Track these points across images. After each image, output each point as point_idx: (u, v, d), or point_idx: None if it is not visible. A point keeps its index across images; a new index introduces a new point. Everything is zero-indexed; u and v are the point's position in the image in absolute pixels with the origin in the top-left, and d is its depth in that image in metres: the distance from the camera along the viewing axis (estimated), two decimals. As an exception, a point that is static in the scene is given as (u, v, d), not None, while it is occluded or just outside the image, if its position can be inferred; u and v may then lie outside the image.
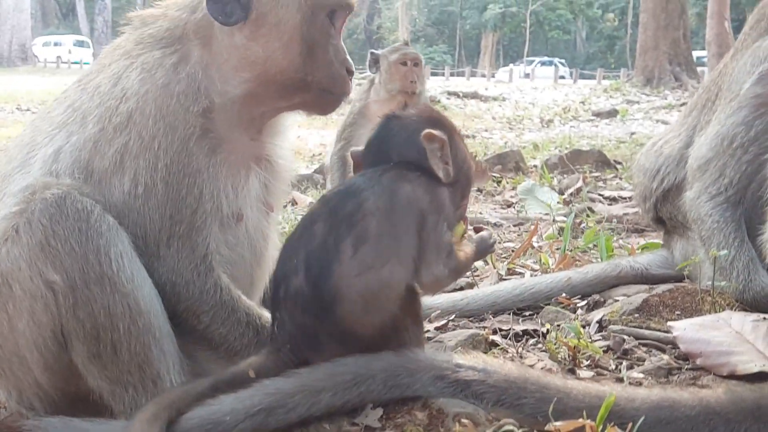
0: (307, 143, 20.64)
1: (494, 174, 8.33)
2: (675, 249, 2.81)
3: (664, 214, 2.85)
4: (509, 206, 5.97)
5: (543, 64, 55.99)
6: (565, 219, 4.94)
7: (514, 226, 4.82)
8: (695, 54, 30.93)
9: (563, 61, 57.82)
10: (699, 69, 29.98)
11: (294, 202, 6.84)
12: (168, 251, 1.87)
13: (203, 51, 1.98)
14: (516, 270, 3.09)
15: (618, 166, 9.20)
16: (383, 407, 1.63)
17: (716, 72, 2.85)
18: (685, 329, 2.18)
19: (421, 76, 5.06)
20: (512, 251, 3.54)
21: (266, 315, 1.99)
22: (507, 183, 7.23)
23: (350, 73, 2.05)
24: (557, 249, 3.34)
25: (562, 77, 44.40)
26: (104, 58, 2.06)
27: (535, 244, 3.74)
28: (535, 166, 10.54)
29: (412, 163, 1.88)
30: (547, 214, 5.35)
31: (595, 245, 3.23)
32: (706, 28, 33.03)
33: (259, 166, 2.05)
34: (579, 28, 70.58)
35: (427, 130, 1.89)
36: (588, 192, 6.41)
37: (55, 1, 74.94)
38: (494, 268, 3.10)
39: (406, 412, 1.61)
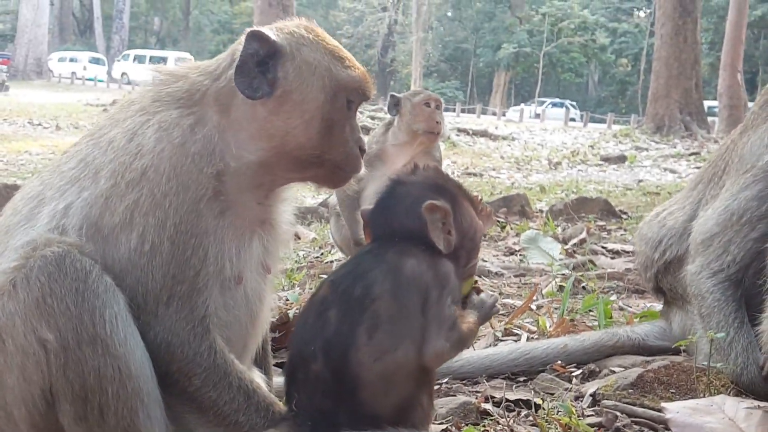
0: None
1: (499, 217, 8.36)
2: (673, 321, 2.79)
3: (664, 285, 2.83)
4: (512, 254, 5.96)
5: (554, 105, 56.25)
6: (566, 272, 4.93)
7: (515, 276, 4.81)
8: (706, 104, 31.10)
9: (574, 103, 58.07)
10: (710, 119, 30.10)
11: (297, 237, 6.85)
12: (167, 311, 1.86)
13: (221, 116, 2.00)
14: (513, 330, 3.07)
15: (623, 216, 9.20)
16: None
17: (724, 147, 2.85)
18: (678, 412, 2.15)
19: (443, 118, 5.14)
20: (511, 308, 3.52)
21: (257, 380, 2.00)
22: (511, 229, 7.22)
23: (362, 151, 2.10)
24: (556, 309, 3.32)
25: (573, 119, 44.54)
26: (118, 113, 2.07)
27: (535, 301, 3.71)
28: (541, 210, 10.57)
29: (416, 234, 1.89)
30: (549, 265, 5.34)
31: (593, 310, 3.21)
32: (718, 78, 33.27)
33: (263, 230, 2.07)
34: (592, 72, 70.99)
35: (428, 202, 1.89)
36: (591, 243, 6.40)
37: (74, 17, 75.84)
38: (491, 327, 3.08)
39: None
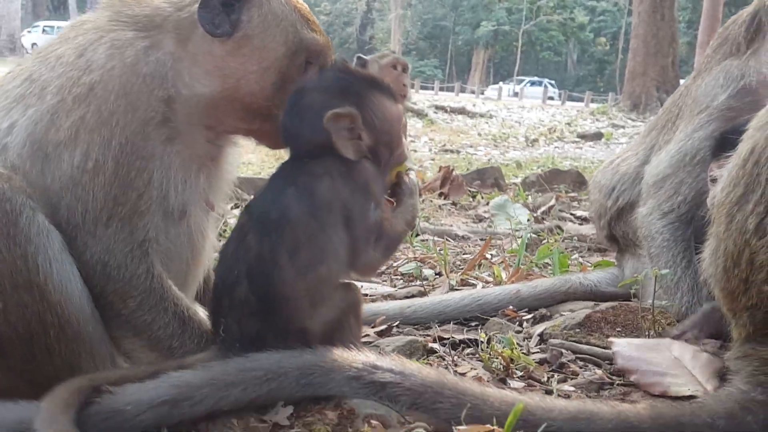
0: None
1: (471, 189, 8.36)
2: (626, 267, 2.80)
3: (617, 232, 2.84)
4: (480, 221, 5.96)
5: (533, 84, 56.33)
6: (531, 236, 4.95)
7: (481, 240, 4.81)
8: (682, 82, 31.23)
9: (553, 82, 58.19)
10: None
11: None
12: (105, 231, 1.83)
13: (178, 46, 1.97)
14: (469, 281, 3.07)
15: (594, 187, 9.23)
16: (294, 405, 1.60)
17: (677, 94, 2.86)
18: (624, 346, 2.17)
19: (408, 82, 5.13)
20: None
21: (195, 309, 1.98)
22: (482, 198, 7.23)
23: None
24: (513, 263, 3.33)
25: (551, 98, 44.70)
26: (69, 31, 2.02)
27: (495, 257, 3.72)
28: (515, 183, 10.59)
29: (325, 147, 1.86)
30: (517, 230, 5.36)
31: (550, 264, 3.22)
32: (695, 56, 33.43)
33: (211, 166, 2.06)
34: (570, 50, 71.14)
35: (329, 112, 1.84)
36: (560, 211, 6.42)
37: (48, -7, 74.71)
38: (447, 278, 3.08)
39: (317, 411, 1.58)
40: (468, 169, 15.11)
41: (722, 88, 2.55)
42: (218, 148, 2.08)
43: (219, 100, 1.98)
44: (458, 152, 21.28)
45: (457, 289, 2.98)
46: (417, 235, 4.92)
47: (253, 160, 19.60)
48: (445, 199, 7.13)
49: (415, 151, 19.05)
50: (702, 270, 1.94)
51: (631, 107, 28.73)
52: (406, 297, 2.94)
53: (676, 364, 2.09)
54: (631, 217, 2.69)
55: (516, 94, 46.01)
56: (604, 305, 2.52)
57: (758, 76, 2.52)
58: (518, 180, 13.81)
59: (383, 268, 3.60)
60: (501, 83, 54.28)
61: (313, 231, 1.78)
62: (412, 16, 67.03)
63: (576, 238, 4.55)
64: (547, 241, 4.21)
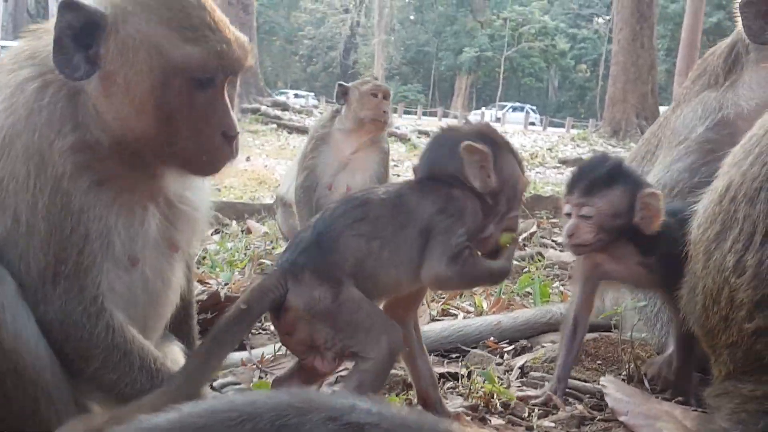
0: (274, 172, 20.58)
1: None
2: (606, 298, 2.80)
3: None
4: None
5: (514, 109, 56.78)
6: (516, 264, 4.95)
7: (462, 267, 4.81)
8: (662, 109, 31.61)
9: (534, 107, 58.68)
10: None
11: (248, 231, 6.76)
12: (54, 291, 1.72)
13: (70, 84, 1.75)
14: (450, 311, 3.06)
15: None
16: (271, 447, 1.56)
17: (657, 125, 2.87)
18: (615, 387, 2.14)
19: (389, 110, 5.11)
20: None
21: (162, 357, 1.87)
22: (463, 224, 7.23)
23: (229, 137, 1.80)
24: (494, 292, 3.32)
25: (533, 123, 45.08)
26: None
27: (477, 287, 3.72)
28: (497, 209, 10.56)
29: (453, 173, 1.97)
30: (497, 256, 5.34)
31: (532, 293, 3.22)
32: (674, 84, 33.82)
33: (160, 205, 1.87)
34: (552, 77, 71.80)
35: (467, 143, 1.95)
36: (541, 237, 6.44)
37: (28, 14, 74.40)
38: (428, 308, 3.06)
39: (294, 453, 1.54)
40: (450, 194, 15.03)
41: (700, 120, 2.57)
42: (168, 182, 1.88)
43: (115, 143, 1.76)
44: (441, 177, 21.36)
45: (438, 320, 2.97)
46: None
47: (235, 184, 19.55)
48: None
49: (398, 176, 19.08)
50: (681, 307, 1.93)
51: (611, 133, 28.99)
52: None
53: (668, 414, 2.07)
54: None
55: (498, 120, 46.31)
56: (585, 337, 2.50)
57: (736, 109, 2.53)
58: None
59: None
60: (483, 108, 54.67)
61: (382, 215, 1.91)
62: (395, 42, 67.48)
63: (557, 266, 4.55)
64: (529, 270, 4.21)
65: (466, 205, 1.95)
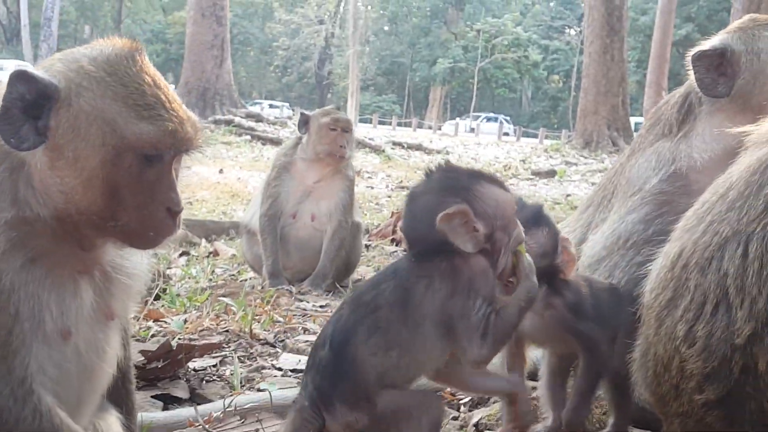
0: (247, 185, 20.43)
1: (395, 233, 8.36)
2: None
3: None
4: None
5: (488, 120, 57.13)
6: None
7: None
8: (633, 120, 31.95)
9: (508, 118, 59.10)
10: (636, 135, 30.88)
11: (216, 254, 6.67)
12: None
13: (12, 157, 1.71)
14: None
15: (546, 232, 9.29)
16: None
17: (612, 171, 2.84)
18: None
19: (351, 141, 5.05)
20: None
21: (112, 422, 1.79)
22: (398, 245, 7.20)
23: (173, 212, 1.78)
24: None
25: (506, 134, 45.33)
26: None
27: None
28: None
29: (443, 243, 1.91)
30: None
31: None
32: (644, 96, 34.20)
33: (93, 277, 1.81)
34: (525, 87, 72.42)
35: (441, 215, 1.89)
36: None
37: (0, 24, 73.65)
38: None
39: None
40: (423, 210, 15.06)
41: (654, 171, 2.55)
42: (102, 253, 1.83)
43: (56, 217, 1.71)
44: (414, 190, 21.36)
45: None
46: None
47: (207, 197, 19.49)
48: (396, 245, 7.07)
49: (372, 187, 19.06)
50: (632, 371, 1.88)
51: (583, 145, 29.22)
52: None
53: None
54: None
55: (472, 130, 46.55)
56: (539, 391, 2.46)
57: (689, 161, 2.51)
58: (472, 220, 13.78)
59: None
60: (458, 119, 54.96)
61: (393, 320, 1.86)
62: (370, 52, 67.65)
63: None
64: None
65: (473, 270, 1.91)
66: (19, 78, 1.66)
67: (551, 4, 73.59)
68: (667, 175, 2.52)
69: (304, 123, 4.98)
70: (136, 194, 1.72)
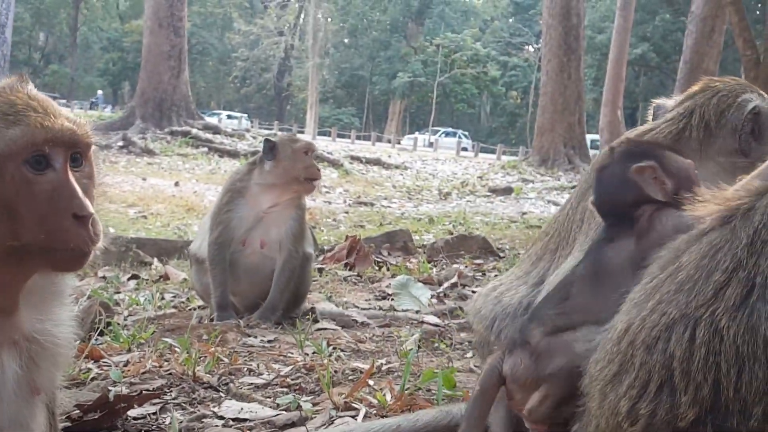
0: (204, 198, 20.23)
1: (379, 257, 8.36)
2: (509, 399, 2.71)
3: None
4: (383, 298, 5.87)
5: (447, 134, 57.51)
6: (435, 321, 4.87)
7: (380, 327, 4.70)
8: (589, 138, 32.42)
9: (467, 133, 59.60)
10: (592, 152, 31.26)
11: (166, 277, 6.52)
12: None
13: None
14: (352, 404, 2.92)
15: (500, 254, 9.32)
16: None
17: (563, 216, 2.75)
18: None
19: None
20: (360, 373, 3.40)
21: None
22: (387, 270, 7.14)
23: (80, 217, 1.59)
24: (398, 379, 3.22)
25: (465, 149, 45.62)
26: None
27: (387, 364, 3.60)
28: (424, 245, 10.62)
29: (636, 199, 2.13)
30: (417, 311, 5.30)
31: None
32: (600, 114, 34.77)
33: (18, 344, 1.65)
34: (484, 103, 73.12)
35: (634, 166, 2.14)
36: (463, 286, 6.39)
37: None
38: (331, 400, 2.93)
39: None
40: (381, 223, 15.17)
41: None
42: (23, 320, 1.67)
43: None
44: (372, 205, 21.35)
45: (339, 416, 2.83)
46: (316, 321, 4.77)
47: (163, 210, 19.25)
48: (350, 270, 7.01)
49: (329, 203, 18.99)
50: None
51: (540, 162, 29.53)
52: (285, 425, 2.78)
53: None
54: None
55: (431, 144, 46.76)
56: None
57: None
58: (431, 237, 13.90)
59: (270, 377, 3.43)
60: (417, 133, 55.22)
61: (582, 292, 2.10)
62: (329, 65, 67.62)
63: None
64: (440, 344, 4.12)
65: (666, 223, 2.11)
66: None
67: (510, 20, 74.45)
68: None
69: (270, 149, 4.90)
70: (33, 207, 1.56)
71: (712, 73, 21.30)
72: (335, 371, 3.43)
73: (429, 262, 7.61)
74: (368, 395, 3.02)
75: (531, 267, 2.69)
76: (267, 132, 40.18)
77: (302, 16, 69.47)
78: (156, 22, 29.43)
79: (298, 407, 2.85)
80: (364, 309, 5.32)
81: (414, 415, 2.67)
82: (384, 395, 2.94)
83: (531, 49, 71.19)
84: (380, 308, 5.37)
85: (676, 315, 1.63)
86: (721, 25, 21.89)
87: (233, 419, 2.92)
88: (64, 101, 55.85)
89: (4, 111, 1.57)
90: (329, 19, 70.46)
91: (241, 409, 2.99)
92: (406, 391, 2.95)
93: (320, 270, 6.76)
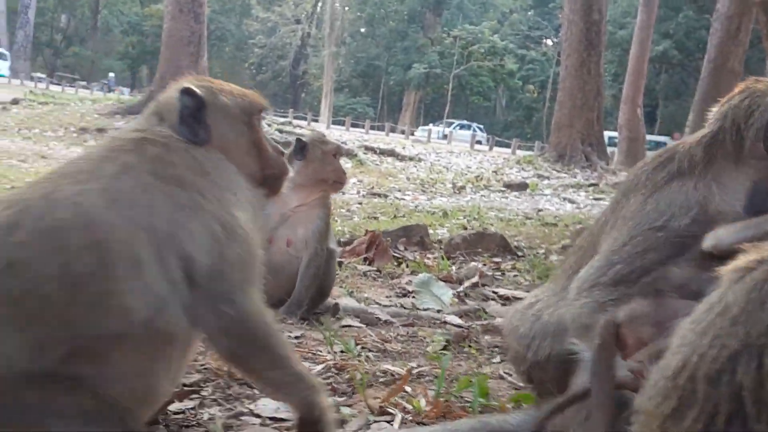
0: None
1: (397, 251, 8.34)
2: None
3: (536, 379, 2.69)
4: (404, 295, 5.85)
5: (462, 127, 57.19)
6: (458, 322, 4.85)
7: (404, 326, 4.69)
8: (607, 134, 32.08)
9: (481, 126, 59.18)
10: (610, 149, 31.01)
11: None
12: None
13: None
14: (388, 409, 2.91)
15: (518, 253, 9.29)
16: None
17: (597, 227, 2.67)
18: None
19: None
20: (391, 375, 3.39)
21: None
22: (407, 266, 7.11)
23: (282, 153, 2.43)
24: (430, 383, 3.20)
25: (479, 142, 45.32)
26: None
27: (417, 368, 3.59)
28: (440, 240, 10.59)
29: None
30: (439, 311, 5.28)
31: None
32: (619, 111, 34.41)
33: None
34: (500, 96, 72.73)
35: None
36: (483, 285, 6.36)
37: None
38: (366, 403, 2.91)
39: None
40: (395, 216, 15.14)
41: (682, 210, 2.39)
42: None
43: None
44: (386, 196, 21.31)
45: (376, 421, 2.82)
46: (339, 318, 4.77)
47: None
48: (369, 264, 7.00)
49: (344, 193, 18.96)
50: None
51: (556, 158, 29.30)
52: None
53: None
54: (552, 371, 2.53)
55: (445, 137, 46.52)
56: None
57: (721, 206, 2.38)
58: (444, 231, 13.86)
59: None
60: (431, 125, 54.94)
61: None
62: (345, 54, 67.51)
63: (501, 336, 4.43)
64: (470, 347, 4.10)
65: None
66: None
67: (529, 14, 74.07)
68: (696, 217, 2.38)
69: (301, 149, 4.92)
70: (267, 146, 2.33)
71: (736, 73, 21.06)
72: (365, 372, 3.42)
73: (447, 259, 7.59)
74: (402, 400, 3.01)
75: (567, 282, 2.62)
76: (282, 120, 40.17)
77: (320, 4, 69.36)
78: (177, 7, 29.40)
79: (336, 410, 2.83)
80: (385, 306, 5.31)
81: (453, 425, 2.65)
82: (419, 401, 2.92)
83: (549, 42, 70.79)
84: (401, 306, 5.35)
85: (738, 346, 1.62)
86: (747, 24, 21.61)
87: (270, 418, 2.90)
88: (84, 83, 56.02)
89: (235, 93, 2.28)
90: (346, 8, 70.29)
91: (278, 408, 2.97)
92: (442, 398, 2.94)
93: (339, 263, 6.76)
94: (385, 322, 4.83)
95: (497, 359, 3.98)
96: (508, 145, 42.61)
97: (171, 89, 2.14)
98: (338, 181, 4.96)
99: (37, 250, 1.60)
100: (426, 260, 7.70)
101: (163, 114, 2.10)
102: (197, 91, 2.11)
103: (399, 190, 23.62)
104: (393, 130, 46.70)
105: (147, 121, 2.10)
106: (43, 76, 56.96)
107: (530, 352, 2.56)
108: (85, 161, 1.91)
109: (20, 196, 1.75)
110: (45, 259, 1.60)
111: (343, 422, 2.79)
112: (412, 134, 45.28)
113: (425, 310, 5.29)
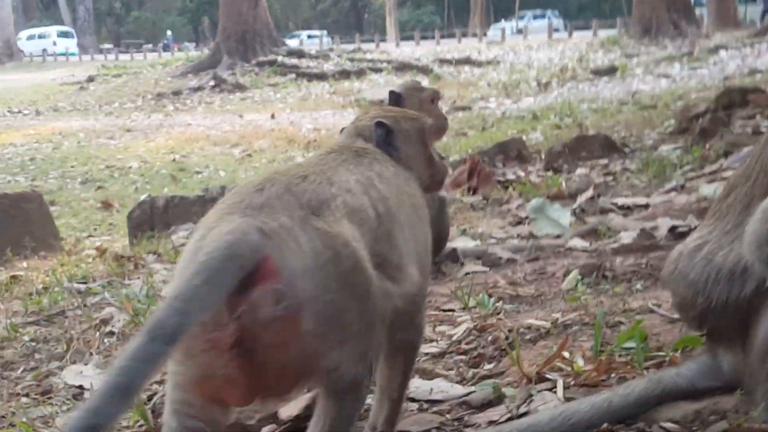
0: (301, 128, 20.24)
1: (496, 166, 8.07)
2: (723, 361, 2.45)
3: (708, 325, 2.48)
4: (519, 223, 5.64)
5: (535, 17, 55.07)
6: (583, 245, 4.62)
7: (528, 263, 4.50)
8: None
9: (556, 12, 56.77)
10: (698, 11, 29.18)
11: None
12: None
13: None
14: (545, 375, 2.76)
15: (626, 151, 8.89)
16: None
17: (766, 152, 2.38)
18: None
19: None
20: (535, 330, 3.23)
21: None
22: (514, 190, 6.85)
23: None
24: (584, 331, 3.03)
25: (557, 30, 43.39)
26: None
27: (567, 316, 3.42)
28: (539, 150, 10.23)
29: None
30: (559, 235, 5.07)
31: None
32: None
33: None
34: (571, -25, 69.22)
35: None
36: (600, 197, 6.04)
37: (39, -2, 74.06)
38: (521, 372, 2.77)
39: None
40: (484, 128, 14.70)
41: None
42: None
43: None
44: (470, 108, 20.84)
45: (538, 391, 2.68)
46: (462, 263, 4.63)
47: (265, 146, 19.29)
48: (473, 194, 6.79)
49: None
50: None
51: (642, 33, 27.77)
52: (482, 405, 2.64)
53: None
54: (729, 316, 2.32)
55: (520, 32, 44.87)
56: (715, 427, 2.21)
57: None
58: (536, 136, 13.41)
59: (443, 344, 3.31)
60: (503, 21, 53.15)
61: None
62: (404, -36, 65.47)
63: (632, 253, 4.18)
64: (607, 277, 3.87)
65: None
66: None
67: None
68: None
69: (395, 100, 4.76)
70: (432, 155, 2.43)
71: None
72: (509, 330, 3.28)
73: (548, 170, 7.29)
74: (557, 361, 2.86)
75: (739, 218, 2.35)
76: (350, 48, 39.70)
77: None
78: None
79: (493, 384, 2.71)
80: (502, 239, 5.13)
81: (624, 388, 2.47)
82: (579, 366, 2.76)
83: None
84: (519, 236, 5.15)
85: None
86: None
87: (426, 401, 2.80)
88: (150, 46, 56.72)
89: (409, 117, 2.45)
90: None
91: (431, 389, 2.87)
92: (601, 356, 2.77)
93: (443, 198, 6.60)
94: (509, 260, 4.63)
95: (638, 285, 3.73)
96: (588, 28, 40.73)
97: (365, 118, 2.44)
98: (441, 127, 4.76)
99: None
100: (531, 177, 7.43)
101: (365, 137, 2.41)
102: (387, 122, 2.39)
103: (482, 99, 23.04)
104: (464, 35, 45.37)
105: (356, 140, 2.41)
106: (111, 46, 57.98)
107: (701, 298, 2.32)
108: (322, 165, 2.16)
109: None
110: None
111: (502, 396, 2.67)
112: (485, 36, 43.88)
113: (544, 236, 5.08)
